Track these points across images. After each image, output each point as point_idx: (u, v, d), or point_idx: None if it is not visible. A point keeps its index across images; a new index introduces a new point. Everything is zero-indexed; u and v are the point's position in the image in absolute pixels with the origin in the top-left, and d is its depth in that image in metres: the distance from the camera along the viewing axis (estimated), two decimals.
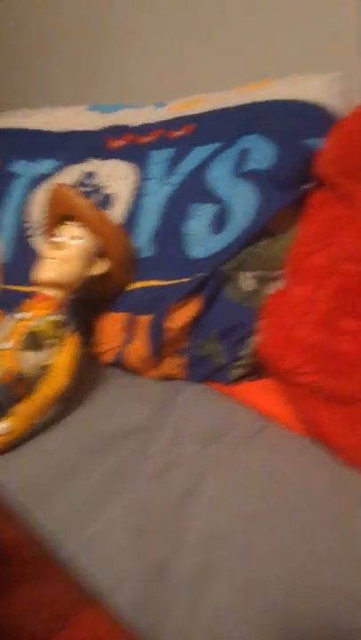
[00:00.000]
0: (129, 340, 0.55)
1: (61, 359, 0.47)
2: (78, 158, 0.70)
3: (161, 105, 0.77)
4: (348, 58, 0.72)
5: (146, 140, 0.68)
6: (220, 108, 0.67)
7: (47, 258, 0.52)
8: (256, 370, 0.50)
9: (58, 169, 0.70)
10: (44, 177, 0.70)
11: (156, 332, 0.52)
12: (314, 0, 0.78)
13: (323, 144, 0.53)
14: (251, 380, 0.50)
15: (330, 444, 0.39)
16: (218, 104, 0.68)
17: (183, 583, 0.27)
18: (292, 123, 0.58)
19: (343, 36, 0.74)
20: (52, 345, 0.48)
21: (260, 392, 0.48)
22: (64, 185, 0.54)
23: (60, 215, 0.56)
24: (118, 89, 1.08)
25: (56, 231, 0.55)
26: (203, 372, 0.52)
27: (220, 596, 0.26)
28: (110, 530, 0.31)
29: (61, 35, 1.18)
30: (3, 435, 0.39)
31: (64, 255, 0.52)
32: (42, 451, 0.40)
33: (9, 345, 0.46)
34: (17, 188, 0.70)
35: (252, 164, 0.54)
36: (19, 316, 0.49)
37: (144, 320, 0.54)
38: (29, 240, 0.66)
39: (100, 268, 0.55)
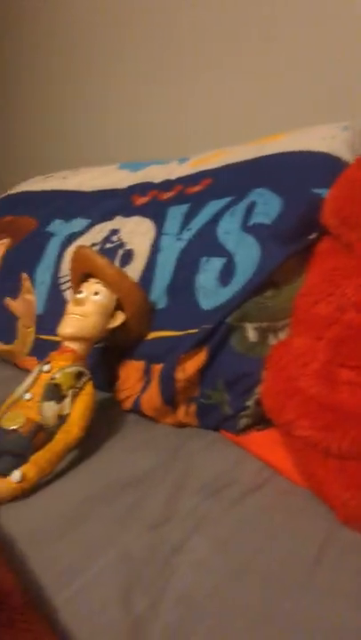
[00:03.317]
0: (145, 388, 0.58)
1: (76, 410, 0.51)
2: (107, 216, 0.76)
3: (184, 160, 0.82)
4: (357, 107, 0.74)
5: (166, 196, 0.72)
6: (234, 162, 0.70)
7: (69, 314, 0.57)
8: (264, 419, 0.51)
9: (88, 227, 0.77)
10: (75, 235, 0.77)
11: (167, 381, 0.54)
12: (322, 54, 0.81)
13: (327, 194, 0.55)
14: (259, 430, 0.51)
15: (326, 500, 0.39)
16: (234, 158, 0.72)
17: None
18: (300, 173, 0.60)
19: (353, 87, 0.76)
20: (70, 396, 0.51)
21: (266, 442, 0.49)
22: (84, 246, 0.59)
23: (82, 273, 0.61)
24: (152, 145, 1.16)
25: (80, 288, 0.60)
26: (212, 420, 0.53)
27: None
28: (100, 581, 0.33)
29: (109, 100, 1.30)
30: (17, 482, 0.43)
31: (84, 311, 0.56)
32: (49, 499, 0.43)
33: (29, 396, 0.50)
34: (52, 246, 0.78)
35: (258, 218, 0.57)
36: (43, 367, 0.54)
37: (158, 369, 0.57)
38: (62, 293, 0.73)
39: (118, 320, 0.59)
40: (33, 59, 1.48)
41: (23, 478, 0.43)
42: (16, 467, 0.44)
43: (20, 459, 0.46)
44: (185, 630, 0.29)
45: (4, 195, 1.05)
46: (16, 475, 0.43)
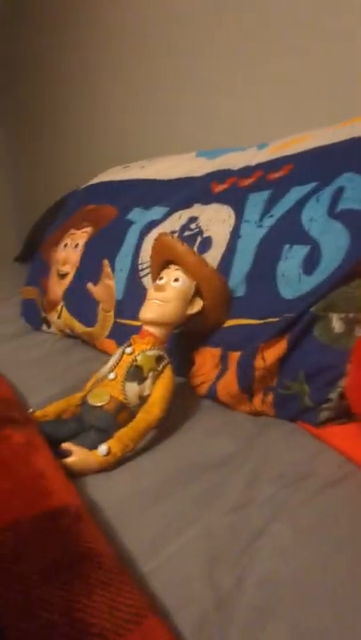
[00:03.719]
0: (221, 374, 0.59)
1: (157, 391, 0.52)
2: (185, 204, 0.77)
3: (263, 146, 0.80)
4: None
5: (246, 182, 0.72)
6: (318, 146, 0.68)
7: (150, 299, 0.59)
8: (347, 413, 0.49)
9: (167, 215, 0.78)
10: (154, 223, 0.78)
11: (245, 369, 0.54)
12: None
13: None
14: (341, 424, 0.49)
15: None
16: (317, 142, 0.69)
17: (242, 619, 0.29)
18: None
19: None
20: (150, 378, 0.53)
21: (348, 436, 0.47)
22: (166, 234, 0.61)
23: (163, 260, 0.62)
24: (229, 132, 1.15)
25: (161, 274, 0.62)
26: (290, 411, 0.53)
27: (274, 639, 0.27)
28: (183, 555, 0.34)
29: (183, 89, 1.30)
30: (103, 456, 0.46)
31: (164, 297, 0.58)
32: (133, 475, 0.45)
33: (113, 375, 0.53)
34: (131, 234, 0.80)
35: (346, 203, 0.54)
36: (125, 350, 0.56)
37: (235, 356, 0.57)
38: (141, 280, 0.75)
39: (197, 306, 0.60)
40: (116, 56, 1.52)
41: (109, 452, 0.46)
42: (101, 442, 0.47)
43: (104, 434, 0.49)
44: (269, 612, 0.29)
45: (85, 185, 1.10)
46: (103, 448, 0.46)
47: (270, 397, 0.54)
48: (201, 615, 0.29)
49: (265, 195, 0.65)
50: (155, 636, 0.26)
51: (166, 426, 0.53)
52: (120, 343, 0.59)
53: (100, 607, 0.27)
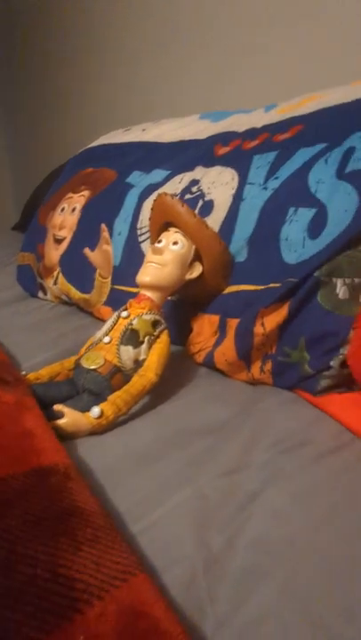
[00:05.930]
0: (219, 342, 0.57)
1: (152, 356, 0.51)
2: (187, 167, 0.74)
3: (270, 107, 0.77)
4: None
5: (251, 144, 0.69)
6: (328, 107, 0.64)
7: (148, 262, 0.56)
8: (348, 381, 0.48)
9: (167, 178, 0.75)
10: (154, 186, 0.75)
11: (244, 335, 0.52)
12: None
13: None
14: (340, 392, 0.48)
15: None
16: (327, 102, 0.66)
17: (232, 579, 0.28)
18: None
19: None
20: (146, 342, 0.52)
21: (348, 405, 0.46)
22: (166, 194, 0.58)
23: (162, 222, 0.60)
24: (234, 95, 1.10)
25: (159, 237, 0.59)
26: (290, 379, 0.51)
27: (265, 599, 0.26)
28: (174, 516, 0.33)
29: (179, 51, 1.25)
30: (96, 418, 0.44)
31: (162, 260, 0.56)
32: (125, 438, 0.44)
33: (108, 339, 0.51)
34: (130, 198, 0.77)
35: (356, 164, 0.52)
36: (122, 313, 0.54)
37: (234, 323, 0.55)
38: (139, 245, 0.72)
39: (196, 271, 0.58)
40: (119, 16, 1.44)
41: (101, 415, 0.45)
42: (94, 405, 0.46)
43: (97, 398, 0.48)
44: (261, 573, 0.28)
45: (84, 148, 1.06)
46: (95, 411, 0.44)
47: (269, 365, 0.52)
48: (190, 574, 0.29)
49: (271, 156, 0.62)
50: (142, 593, 0.25)
51: (161, 391, 0.52)
52: (117, 310, 0.57)
53: (85, 564, 0.26)
